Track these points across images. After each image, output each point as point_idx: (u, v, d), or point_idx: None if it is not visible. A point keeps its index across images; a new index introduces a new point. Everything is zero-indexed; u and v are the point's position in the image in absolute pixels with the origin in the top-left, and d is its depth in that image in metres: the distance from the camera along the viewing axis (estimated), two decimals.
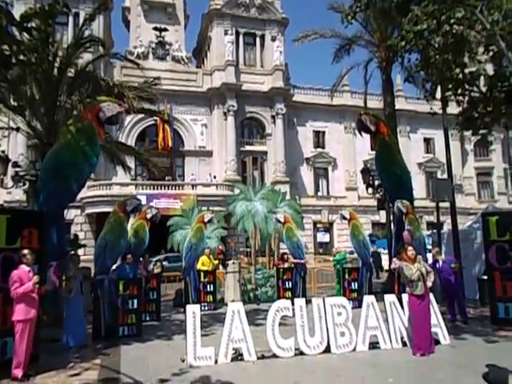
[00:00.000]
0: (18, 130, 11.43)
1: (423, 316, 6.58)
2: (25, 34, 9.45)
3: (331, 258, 14.87)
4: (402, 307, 7.13)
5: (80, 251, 12.04)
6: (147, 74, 21.63)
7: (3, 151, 12.64)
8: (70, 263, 7.69)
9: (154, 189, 27.11)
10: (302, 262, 12.02)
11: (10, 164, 12.47)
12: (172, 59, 32.80)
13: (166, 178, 28.32)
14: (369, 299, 7.18)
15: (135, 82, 13.28)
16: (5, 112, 11.62)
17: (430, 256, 10.26)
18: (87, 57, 14.52)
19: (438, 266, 8.99)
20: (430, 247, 14.42)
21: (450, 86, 9.29)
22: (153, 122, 28.72)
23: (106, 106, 7.83)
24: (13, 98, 11.00)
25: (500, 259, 8.63)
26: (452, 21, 7.93)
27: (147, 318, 9.77)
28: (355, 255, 12.20)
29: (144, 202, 22.67)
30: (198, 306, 6.71)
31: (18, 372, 5.58)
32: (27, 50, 9.65)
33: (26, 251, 5.94)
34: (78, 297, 7.62)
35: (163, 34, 32.98)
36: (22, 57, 9.24)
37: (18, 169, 12.08)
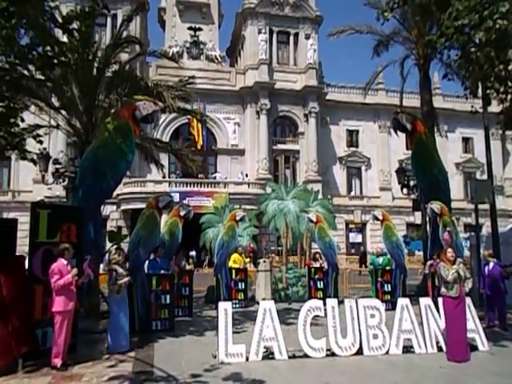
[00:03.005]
0: (57, 127, 11.83)
1: (458, 319, 6.37)
2: (66, 35, 9.76)
3: (368, 258, 14.64)
4: (438, 311, 6.94)
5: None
6: (182, 74, 22.02)
7: (45, 148, 13.12)
8: (119, 259, 7.06)
9: (187, 186, 27.48)
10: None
11: (51, 161, 12.96)
12: (206, 58, 33.15)
13: (199, 176, 28.65)
14: (403, 302, 7.03)
15: (170, 81, 13.48)
16: (46, 111, 12.06)
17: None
18: (124, 57, 14.88)
19: (487, 268, 8.74)
20: (467, 252, 13.98)
21: (492, 83, 8.94)
22: (186, 121, 29.07)
23: (141, 105, 7.99)
24: (54, 97, 11.40)
25: None
26: (495, 16, 7.62)
27: (180, 314, 9.90)
28: (388, 256, 11.94)
29: (177, 199, 23.13)
30: (229, 303, 6.76)
31: (58, 361, 5.79)
32: (68, 51, 9.98)
33: (67, 245, 6.18)
34: (124, 298, 7.00)
35: (198, 33, 33.38)
36: (63, 58, 9.55)
37: (58, 166, 12.53)
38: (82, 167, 8.42)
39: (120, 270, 6.85)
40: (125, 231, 27.21)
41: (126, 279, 6.87)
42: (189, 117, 23.82)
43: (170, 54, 30.73)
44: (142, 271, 8.54)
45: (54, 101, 11.43)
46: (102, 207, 8.84)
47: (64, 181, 12.24)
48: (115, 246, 8.48)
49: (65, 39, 10.15)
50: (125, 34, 12.10)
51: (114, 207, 28.28)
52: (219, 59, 33.60)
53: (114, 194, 16.61)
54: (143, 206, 9.88)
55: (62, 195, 19.35)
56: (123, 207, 27.99)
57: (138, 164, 25.91)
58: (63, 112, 11.26)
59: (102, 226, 9.26)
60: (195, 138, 28.81)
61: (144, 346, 7.17)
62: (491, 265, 8.77)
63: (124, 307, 6.94)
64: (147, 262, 9.16)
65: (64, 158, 20.32)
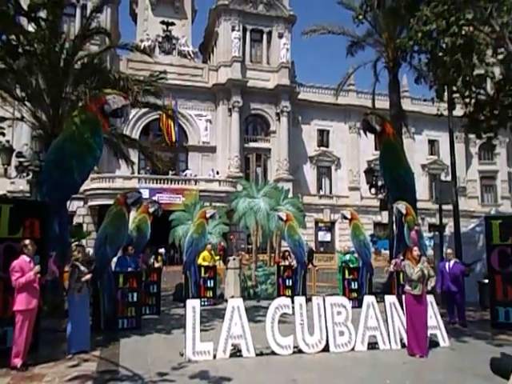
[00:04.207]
0: (22, 119, 11.43)
1: (418, 316, 6.54)
2: (32, 24, 9.44)
3: (336, 256, 14.83)
4: (403, 309, 7.11)
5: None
6: (153, 68, 21.66)
7: (8, 141, 12.62)
8: (79, 256, 6.77)
9: (156, 183, 27.16)
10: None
11: (14, 154, 12.49)
12: (178, 54, 32.79)
13: (171, 173, 28.37)
14: (369, 299, 7.16)
15: (141, 75, 13.26)
16: (10, 102, 11.63)
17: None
18: (95, 49, 14.52)
19: (448, 266, 8.98)
20: (431, 251, 14.40)
21: (458, 87, 9.23)
22: (157, 116, 28.66)
23: (111, 99, 7.83)
24: (18, 87, 11.00)
25: (502, 263, 8.61)
26: (461, 22, 7.87)
27: (147, 312, 9.79)
28: (355, 255, 12.16)
29: (147, 196, 22.80)
30: (197, 300, 6.72)
31: (18, 361, 5.59)
32: (34, 40, 9.64)
33: (27, 241, 5.94)
34: (85, 296, 6.76)
35: (170, 28, 32.97)
36: (28, 47, 9.22)
37: (21, 159, 12.07)
38: (48, 161, 8.17)
39: (82, 268, 6.66)
40: (91, 228, 26.67)
41: (88, 277, 6.68)
42: (160, 112, 23.56)
43: (142, 48, 30.35)
44: (108, 269, 8.37)
45: (19, 92, 11.03)
46: (68, 203, 8.63)
47: (28, 175, 11.82)
48: (76, 243, 8.28)
49: (32, 29, 9.81)
50: (94, 25, 11.80)
51: (81, 203, 27.60)
52: (192, 55, 33.29)
53: (81, 189, 16.23)
54: (111, 202, 9.71)
55: (26, 190, 18.71)
56: (90, 203, 27.38)
57: (106, 159, 25.41)
58: (28, 104, 10.89)
59: (67, 222, 9.04)
60: (165, 134, 28.43)
61: (109, 344, 7.04)
62: (452, 262, 9.04)
63: (85, 306, 6.73)
64: (116, 259, 9.00)
65: (28, 151, 19.62)
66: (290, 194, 20.09)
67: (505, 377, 1.21)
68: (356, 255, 12.14)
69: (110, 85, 10.43)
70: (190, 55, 33.13)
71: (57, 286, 7.75)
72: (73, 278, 6.62)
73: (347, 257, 12.48)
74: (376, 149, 31.09)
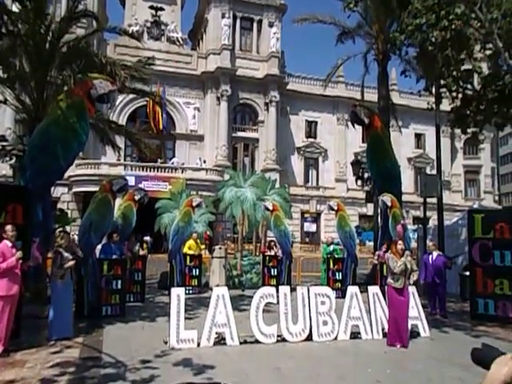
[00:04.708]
0: (5, 102, 11.17)
1: (399, 308, 6.62)
2: (16, 4, 9.18)
3: (321, 247, 14.95)
4: (385, 299, 7.21)
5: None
6: (141, 54, 21.37)
7: None
8: (62, 242, 6.67)
9: (143, 170, 26.97)
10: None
11: None
12: (167, 40, 32.37)
13: (159, 161, 28.16)
14: (352, 290, 7.25)
15: (128, 61, 13.04)
16: None
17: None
18: (81, 33, 14.22)
19: (431, 258, 9.12)
20: (415, 244, 14.59)
21: (446, 82, 9.30)
22: (144, 103, 28.40)
23: (97, 84, 7.69)
24: (1, 69, 10.74)
25: (483, 256, 8.77)
26: (451, 16, 7.91)
27: (131, 299, 9.76)
28: (341, 246, 12.26)
29: (132, 183, 22.61)
30: (182, 289, 6.71)
31: None
32: (18, 21, 9.39)
33: (8, 227, 5.83)
34: (68, 283, 6.62)
35: (159, 13, 32.46)
36: (12, 27, 8.98)
37: (4, 143, 11.85)
38: (32, 146, 8.02)
39: (65, 254, 6.57)
40: (76, 214, 26.39)
41: (71, 263, 6.61)
42: (147, 99, 23.28)
43: (130, 33, 29.83)
44: (92, 256, 8.31)
45: (1, 73, 10.77)
46: (53, 188, 8.49)
47: (11, 159, 11.61)
48: (60, 229, 8.17)
49: (16, 9, 9.55)
50: (81, 7, 11.54)
51: (66, 189, 27.26)
52: (181, 41, 32.89)
53: (66, 175, 15.99)
54: (96, 188, 9.60)
55: (9, 174, 18.42)
56: (75, 189, 27.08)
57: (92, 145, 25.11)
58: (13, 86, 10.64)
59: (51, 208, 8.91)
60: (152, 121, 28.15)
61: (93, 331, 7.00)
62: (435, 255, 9.18)
63: (67, 292, 6.63)
64: (101, 246, 8.93)
65: (12, 135, 19.27)
66: (277, 185, 20.10)
67: (485, 367, 1.22)
68: (341, 246, 12.25)
69: (96, 69, 10.23)
70: (178, 42, 32.72)
71: (39, 273, 7.65)
72: (56, 265, 6.54)
73: (331, 248, 12.59)
74: (363, 141, 31.31)
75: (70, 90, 8.42)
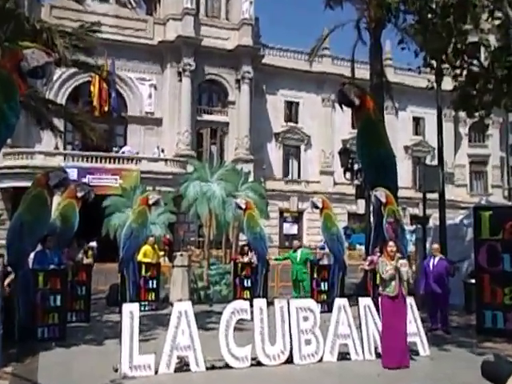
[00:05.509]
0: None
1: (395, 321, 6.74)
2: None
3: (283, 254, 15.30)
4: (379, 313, 7.33)
5: None
6: (84, 18, 20.97)
7: None
8: None
9: (87, 161, 26.63)
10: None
11: None
12: (116, 2, 32.03)
13: (114, 150, 27.80)
14: (340, 302, 7.33)
15: (68, 26, 12.81)
16: None
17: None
18: None
19: (432, 263, 9.28)
20: (412, 247, 14.89)
21: (448, 56, 9.49)
22: (89, 79, 27.93)
23: (29, 54, 7.51)
24: None
25: (491, 261, 8.96)
26: None
27: (73, 319, 9.64)
28: (326, 250, 12.40)
29: (75, 176, 22.26)
30: (136, 304, 6.67)
31: None
32: None
33: None
34: None
35: None
36: None
37: None
38: None
39: None
40: (3, 215, 25.76)
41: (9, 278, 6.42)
42: (92, 74, 22.86)
43: None
44: (25, 265, 8.14)
45: None
46: None
47: None
48: None
49: None
50: None
51: None
52: (133, 4, 32.57)
53: None
54: (29, 183, 9.43)
55: None
56: (2, 185, 26.49)
57: (23, 130, 24.56)
58: None
59: None
60: (98, 101, 27.69)
61: (26, 358, 6.88)
62: (436, 259, 9.36)
63: None
64: (33, 254, 8.76)
65: None
66: (251, 178, 20.15)
67: (499, 383, 1.23)
68: (323, 251, 12.40)
69: (28, 37, 9.98)
70: (130, 4, 32.38)
71: None
72: None
73: (298, 254, 12.60)
74: (353, 126, 31.73)
75: None
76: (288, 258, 13.13)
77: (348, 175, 14.77)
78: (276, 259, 13.78)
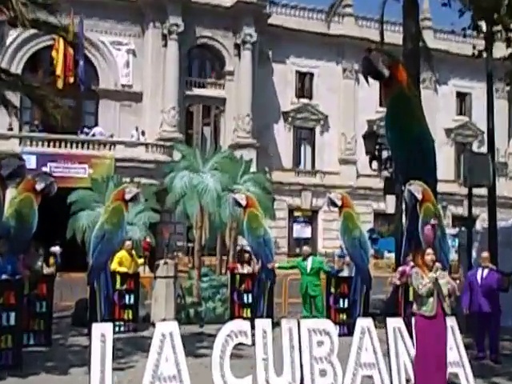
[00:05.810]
0: None
1: (432, 347, 6.75)
2: None
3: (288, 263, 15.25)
4: (412, 337, 7.33)
5: None
6: None
7: None
8: None
9: (49, 146, 26.65)
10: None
11: None
12: None
13: (82, 132, 27.79)
14: (364, 323, 7.32)
15: None
16: None
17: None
18: None
19: (480, 275, 9.27)
20: (455, 255, 14.88)
21: (500, 16, 9.44)
22: (51, 43, 27.87)
23: None
24: None
25: None
26: None
27: (31, 341, 9.71)
28: (347, 259, 12.39)
29: (33, 165, 22.27)
30: (110, 324, 6.67)
31: None
32: None
33: None
34: None
35: None
36: None
37: None
38: None
39: None
40: None
41: None
42: (55, 37, 22.82)
43: None
44: None
45: None
46: None
47: None
48: None
49: None
50: None
51: None
52: None
53: None
54: None
55: None
56: None
57: None
58: None
59: None
60: (62, 70, 27.66)
61: None
62: (485, 271, 9.33)
63: None
64: None
65: None
66: (253, 168, 20.16)
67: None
68: (343, 260, 12.37)
69: None
70: None
71: None
72: None
73: (308, 262, 12.51)
74: (381, 103, 31.73)
75: None
76: (296, 267, 13.05)
77: (374, 165, 14.75)
78: (280, 267, 13.58)
